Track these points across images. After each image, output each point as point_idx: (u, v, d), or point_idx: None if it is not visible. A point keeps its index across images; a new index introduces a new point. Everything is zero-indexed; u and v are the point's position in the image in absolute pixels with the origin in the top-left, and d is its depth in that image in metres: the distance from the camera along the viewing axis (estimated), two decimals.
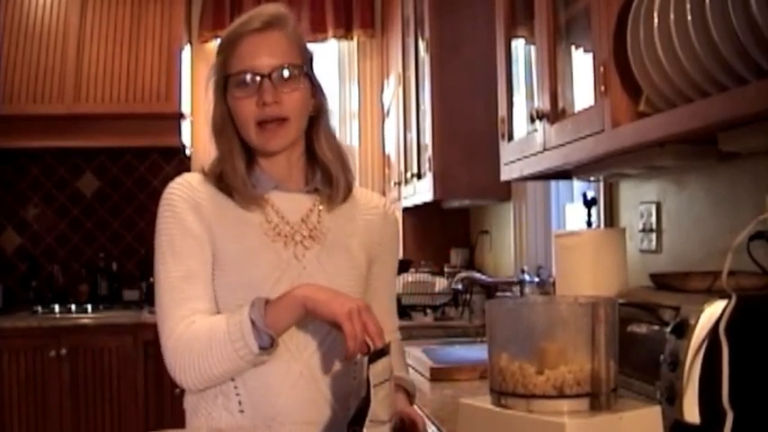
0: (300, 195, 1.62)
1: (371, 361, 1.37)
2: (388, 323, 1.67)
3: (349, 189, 1.65)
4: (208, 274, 1.53)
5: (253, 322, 1.42)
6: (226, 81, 1.56)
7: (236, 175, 1.56)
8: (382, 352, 1.39)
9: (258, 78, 1.52)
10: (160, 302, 1.52)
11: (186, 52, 4.80)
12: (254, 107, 1.52)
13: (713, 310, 1.36)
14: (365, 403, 1.37)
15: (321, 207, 1.62)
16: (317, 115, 1.61)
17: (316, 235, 1.58)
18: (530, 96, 2.28)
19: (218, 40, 1.63)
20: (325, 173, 1.62)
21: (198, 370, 1.47)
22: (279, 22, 1.56)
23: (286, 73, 1.53)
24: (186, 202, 1.54)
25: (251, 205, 1.56)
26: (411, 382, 1.70)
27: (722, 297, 1.36)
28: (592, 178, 2.33)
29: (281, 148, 1.57)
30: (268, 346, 1.44)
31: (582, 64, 1.94)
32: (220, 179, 1.57)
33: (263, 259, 1.53)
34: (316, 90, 1.61)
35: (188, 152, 4.87)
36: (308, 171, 1.64)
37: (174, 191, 1.56)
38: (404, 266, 3.87)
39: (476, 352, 2.69)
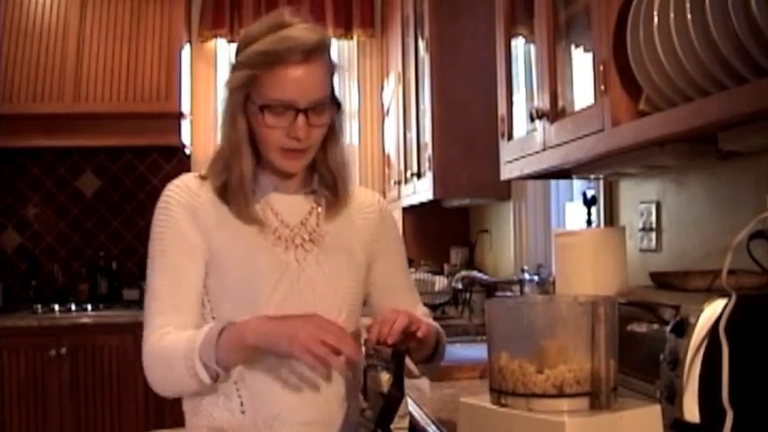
0: (299, 197, 1.62)
1: (397, 359, 1.37)
2: (412, 308, 1.65)
3: (348, 196, 1.64)
4: (197, 284, 1.53)
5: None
6: (250, 98, 1.51)
7: (241, 190, 1.53)
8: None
9: (293, 111, 1.49)
10: (146, 308, 1.53)
11: (186, 51, 4.80)
12: (282, 136, 1.50)
13: (713, 309, 1.36)
14: (395, 400, 1.36)
15: (320, 209, 1.62)
16: (330, 128, 1.58)
17: (315, 238, 1.59)
18: (529, 95, 2.28)
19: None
20: (330, 182, 1.61)
21: (164, 385, 1.49)
22: (321, 51, 1.51)
23: (320, 108, 1.51)
24: (183, 207, 1.54)
25: (248, 219, 1.55)
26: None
27: (722, 296, 1.36)
28: (592, 177, 2.33)
29: (300, 171, 1.58)
30: (219, 375, 1.44)
31: (582, 63, 1.94)
32: (223, 190, 1.55)
33: (263, 263, 1.53)
34: (334, 106, 1.58)
35: (188, 151, 4.87)
36: (307, 173, 1.63)
37: (171, 195, 1.55)
38: None
39: (476, 351, 2.69)
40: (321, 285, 1.55)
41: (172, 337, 1.48)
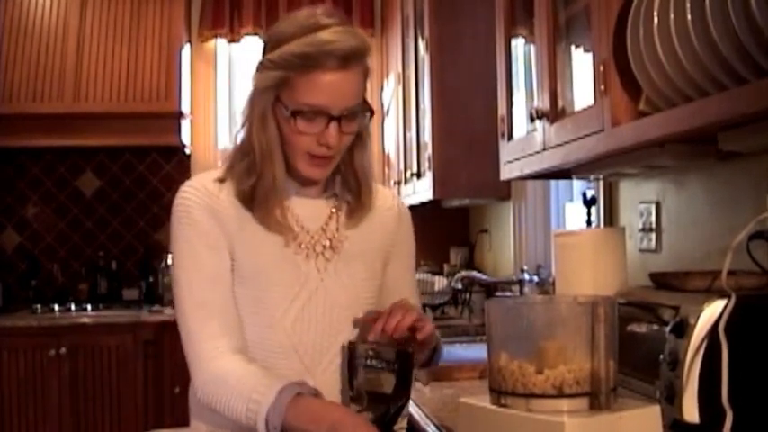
0: (320, 201, 1.58)
1: (403, 360, 1.36)
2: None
3: (372, 202, 1.60)
4: (229, 282, 1.49)
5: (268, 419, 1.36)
6: (280, 99, 1.46)
7: (274, 195, 1.49)
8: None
9: (325, 118, 1.44)
10: (183, 311, 1.48)
11: (186, 51, 4.80)
12: (312, 142, 1.46)
13: (713, 310, 1.36)
14: (402, 401, 1.35)
15: (340, 214, 1.58)
16: (359, 134, 1.54)
17: (335, 244, 1.56)
18: (529, 96, 2.28)
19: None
20: (354, 187, 1.58)
21: (213, 405, 1.45)
22: (359, 58, 1.45)
23: (353, 114, 1.47)
24: (203, 208, 1.49)
25: (273, 226, 1.51)
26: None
27: (722, 296, 1.37)
28: (591, 177, 2.33)
29: (325, 178, 1.55)
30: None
31: (582, 63, 1.94)
32: (249, 195, 1.50)
33: (283, 274, 1.51)
34: (366, 113, 1.52)
35: (187, 151, 4.86)
36: (328, 176, 1.57)
37: (188, 196, 1.51)
38: None
39: (475, 351, 2.69)
40: (339, 296, 1.54)
41: (232, 365, 1.43)
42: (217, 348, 1.45)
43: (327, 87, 1.43)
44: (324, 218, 1.57)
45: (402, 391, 1.37)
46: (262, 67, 1.48)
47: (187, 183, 1.54)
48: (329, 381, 1.52)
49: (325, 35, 1.42)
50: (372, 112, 1.53)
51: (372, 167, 1.61)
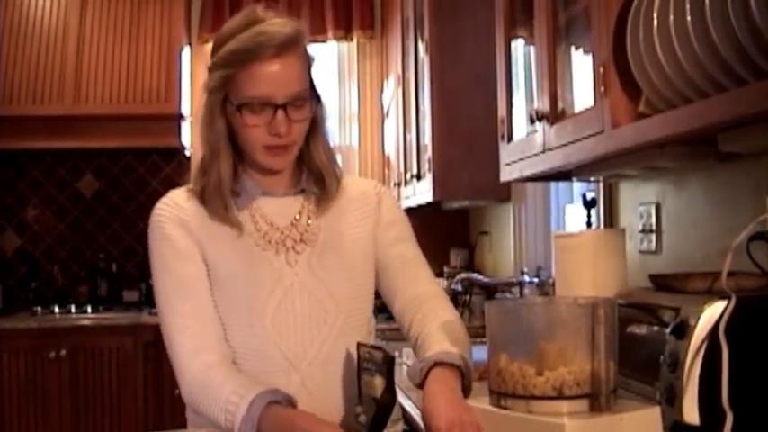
0: (289, 199, 1.60)
1: (387, 364, 1.36)
2: (423, 287, 1.62)
3: (337, 187, 1.62)
4: (206, 289, 1.52)
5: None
6: (228, 98, 1.50)
7: (219, 195, 1.52)
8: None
9: (272, 108, 1.47)
10: (164, 322, 1.52)
11: (186, 53, 4.80)
12: (264, 134, 1.49)
13: (713, 311, 1.36)
14: (388, 405, 1.35)
15: (310, 207, 1.60)
16: (313, 122, 1.57)
17: (307, 238, 1.57)
18: (529, 97, 2.28)
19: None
20: (317, 176, 1.60)
21: (199, 412, 1.48)
22: (294, 44, 1.48)
23: (299, 102, 1.49)
24: (173, 221, 1.53)
25: (227, 222, 1.53)
26: (457, 355, 1.50)
27: (722, 298, 1.36)
28: (592, 179, 2.33)
29: (286, 167, 1.57)
30: None
31: (581, 65, 1.94)
32: (202, 195, 1.54)
33: (257, 270, 1.52)
34: (314, 100, 1.56)
35: (187, 153, 4.86)
36: (296, 172, 1.61)
37: (160, 212, 1.55)
38: None
39: (475, 353, 2.68)
40: (315, 290, 1.54)
41: (211, 373, 1.46)
42: (197, 355, 1.48)
43: (268, 77, 1.46)
44: (294, 213, 1.59)
45: (387, 395, 1.37)
46: (209, 70, 1.53)
47: (160, 200, 1.58)
48: (315, 374, 1.52)
49: (259, 28, 1.47)
50: (320, 99, 1.56)
51: (333, 154, 1.62)
